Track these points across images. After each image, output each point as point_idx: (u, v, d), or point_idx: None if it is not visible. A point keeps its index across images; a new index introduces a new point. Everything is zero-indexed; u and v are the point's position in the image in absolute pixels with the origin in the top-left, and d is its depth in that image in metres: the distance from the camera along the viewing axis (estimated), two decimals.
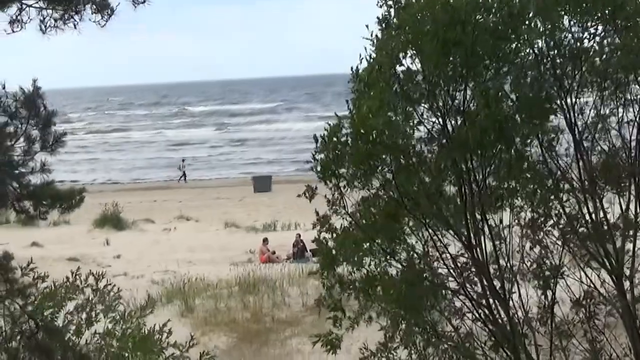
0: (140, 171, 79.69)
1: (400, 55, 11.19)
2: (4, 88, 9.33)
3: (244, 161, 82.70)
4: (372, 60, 11.30)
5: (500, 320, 11.62)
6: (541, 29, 11.05)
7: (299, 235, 33.22)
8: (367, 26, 11.30)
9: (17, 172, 9.25)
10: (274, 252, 32.71)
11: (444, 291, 11.75)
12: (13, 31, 9.21)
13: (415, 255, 11.66)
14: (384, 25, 11.47)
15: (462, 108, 11.20)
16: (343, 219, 11.65)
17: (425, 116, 11.39)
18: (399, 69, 11.29)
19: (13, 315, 9.71)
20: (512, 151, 11.35)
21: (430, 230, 11.56)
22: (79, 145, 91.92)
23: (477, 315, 11.75)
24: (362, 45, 11.29)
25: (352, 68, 11.31)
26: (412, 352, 11.91)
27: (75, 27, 9.24)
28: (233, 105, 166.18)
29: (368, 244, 11.39)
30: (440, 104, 11.28)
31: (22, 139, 9.24)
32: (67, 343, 10.36)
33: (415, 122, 11.32)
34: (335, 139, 11.17)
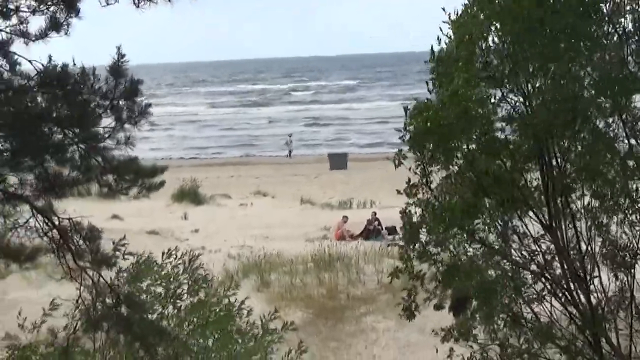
0: (217, 147, 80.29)
1: (483, 34, 11.07)
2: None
3: (321, 139, 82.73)
4: (451, 39, 11.18)
5: (580, 305, 11.47)
6: (628, 8, 10.84)
7: (375, 213, 33.16)
8: (443, 9, 11.18)
9: (102, 145, 9.31)
10: (349, 230, 32.69)
11: (523, 274, 11.62)
12: (108, 3, 9.27)
13: (495, 236, 11.55)
14: (464, 4, 11.32)
15: (543, 87, 11.04)
16: (426, 194, 11.57)
17: (507, 96, 11.26)
18: (480, 48, 11.17)
19: (96, 286, 9.85)
20: (592, 131, 11.15)
21: (510, 212, 11.44)
22: (158, 121, 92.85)
23: (557, 299, 11.62)
24: (437, 24, 11.19)
25: (431, 47, 11.21)
26: (491, 335, 11.82)
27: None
28: (311, 82, 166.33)
29: (448, 222, 11.30)
30: (523, 83, 11.14)
31: (108, 111, 9.27)
32: (147, 317, 10.48)
33: (496, 101, 11.21)
34: (424, 112, 11.10)
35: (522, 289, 11.55)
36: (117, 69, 9.14)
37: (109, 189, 9.96)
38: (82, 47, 9.80)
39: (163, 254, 13.11)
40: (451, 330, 12.14)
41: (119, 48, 9.24)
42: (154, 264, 12.86)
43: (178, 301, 12.82)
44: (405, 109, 11.21)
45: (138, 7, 9.18)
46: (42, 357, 11.97)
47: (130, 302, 9.96)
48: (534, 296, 11.65)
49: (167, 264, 13.15)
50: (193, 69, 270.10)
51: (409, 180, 11.61)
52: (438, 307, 11.89)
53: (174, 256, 13.31)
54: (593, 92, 11.05)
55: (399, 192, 11.71)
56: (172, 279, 12.89)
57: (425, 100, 11.15)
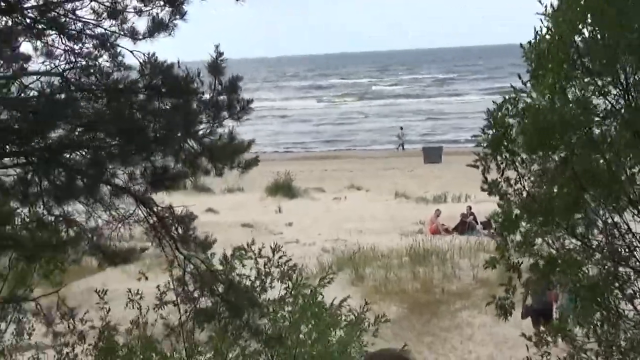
0: (311, 141, 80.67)
1: (579, 25, 10.88)
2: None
3: (414, 133, 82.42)
4: (549, 32, 11.01)
5: None
6: None
7: (470, 208, 32.93)
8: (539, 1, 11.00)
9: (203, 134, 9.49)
10: (443, 225, 32.55)
11: (626, 271, 11.41)
12: None
13: (595, 232, 11.36)
14: None
15: None
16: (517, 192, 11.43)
17: (606, 89, 11.06)
18: (578, 39, 10.98)
19: (200, 273, 10.05)
20: None
21: (611, 208, 11.24)
22: (256, 116, 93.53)
23: None
24: (530, 15, 11.03)
25: (522, 44, 11.05)
26: (590, 331, 11.63)
27: None
28: (405, 76, 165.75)
29: (548, 218, 11.14)
30: (622, 75, 10.92)
31: (208, 107, 9.43)
32: (256, 301, 10.67)
33: (595, 95, 11.02)
34: (506, 112, 10.97)
35: (624, 285, 11.34)
36: (216, 66, 9.30)
37: (205, 172, 10.13)
38: (175, 43, 9.95)
39: (249, 244, 13.21)
40: (546, 332, 11.97)
41: (217, 46, 9.42)
42: (245, 253, 12.95)
43: (269, 290, 12.92)
44: (489, 112, 11.08)
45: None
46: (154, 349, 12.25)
47: (237, 289, 10.14)
48: (637, 293, 11.44)
49: (256, 254, 13.23)
50: (286, 62, 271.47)
51: (486, 179, 11.46)
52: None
53: (264, 246, 13.39)
54: None
55: (483, 189, 11.57)
56: (263, 268, 12.98)
57: (515, 95, 11.00)
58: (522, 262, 11.51)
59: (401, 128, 71.78)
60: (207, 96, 9.41)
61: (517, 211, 11.24)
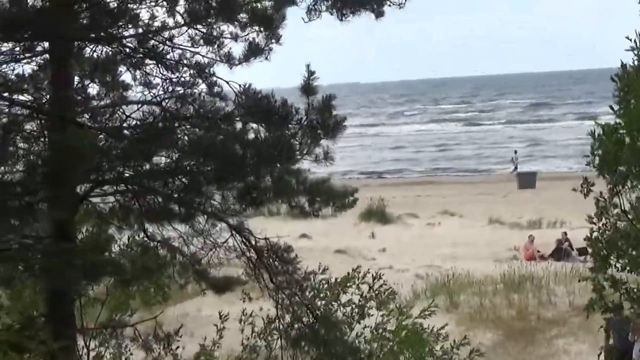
0: (403, 166, 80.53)
1: None
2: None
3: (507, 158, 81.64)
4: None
5: None
6: None
7: (565, 234, 32.45)
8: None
9: (296, 166, 9.59)
10: (538, 251, 32.14)
11: None
12: (310, 20, 9.54)
13: None
14: None
15: None
16: (618, 217, 11.31)
17: None
18: None
19: (293, 305, 10.12)
20: None
21: None
22: (345, 140, 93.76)
23: None
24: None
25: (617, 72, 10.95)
26: None
27: (374, 11, 9.42)
28: (498, 100, 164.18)
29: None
30: None
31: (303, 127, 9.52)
32: (344, 336, 10.68)
33: None
34: (613, 135, 10.86)
35: None
36: (307, 87, 9.38)
37: (301, 211, 10.22)
38: (270, 68, 10.11)
39: (349, 272, 13.26)
40: None
41: (308, 66, 9.52)
42: (345, 284, 13.03)
43: (366, 318, 12.94)
44: (593, 132, 10.99)
45: (341, 20, 9.40)
46: None
47: (327, 322, 10.17)
48: None
49: (353, 283, 13.27)
50: (378, 88, 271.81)
51: (597, 201, 11.35)
52: None
53: (360, 274, 13.42)
54: None
55: (590, 219, 11.47)
56: (360, 297, 13.02)
57: (615, 122, 10.91)
58: (621, 304, 11.40)
59: (515, 152, 70.74)
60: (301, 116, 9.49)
61: (606, 247, 11.15)
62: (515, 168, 66.82)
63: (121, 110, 10.24)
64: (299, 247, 16.67)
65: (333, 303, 12.37)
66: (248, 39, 9.72)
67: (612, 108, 11.03)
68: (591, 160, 11.05)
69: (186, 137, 9.45)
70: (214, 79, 9.99)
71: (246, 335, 12.98)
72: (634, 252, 10.97)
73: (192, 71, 10.07)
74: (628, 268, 11.16)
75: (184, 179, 9.40)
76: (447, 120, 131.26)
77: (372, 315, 12.94)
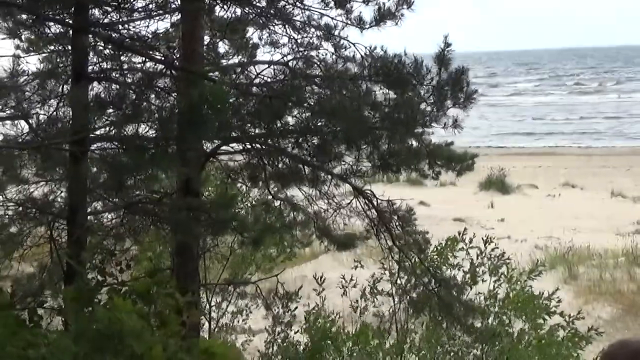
0: (526, 136, 79.42)
1: None
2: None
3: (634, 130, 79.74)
4: None
5: None
6: None
7: None
8: None
9: (421, 130, 9.62)
10: None
11: None
12: None
13: None
14: None
15: None
16: None
17: None
18: None
19: (413, 267, 10.19)
20: None
21: None
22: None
23: None
24: None
25: None
26: None
27: None
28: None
29: None
30: None
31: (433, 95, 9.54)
32: (466, 301, 10.71)
33: None
34: None
35: None
36: (442, 57, 9.40)
37: (421, 174, 10.26)
38: (399, 35, 10.12)
39: (461, 233, 13.20)
40: None
41: (445, 37, 9.52)
42: (457, 243, 12.98)
43: (480, 283, 12.88)
44: None
45: None
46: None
47: (448, 284, 10.22)
48: None
49: (468, 245, 13.21)
50: (490, 57, 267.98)
51: None
52: None
53: (475, 236, 13.34)
54: None
55: None
56: (475, 259, 12.97)
57: None
58: None
59: None
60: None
61: None
62: None
63: (249, 69, 10.40)
64: (418, 215, 16.67)
65: (445, 265, 12.32)
66: (379, 3, 9.74)
67: None
68: None
69: (315, 97, 9.56)
70: (342, 41, 10.05)
71: (366, 298, 13.09)
72: None
73: (319, 33, 10.15)
74: None
75: (313, 139, 9.52)
76: (574, 90, 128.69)
77: (485, 281, 12.86)
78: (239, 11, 10.36)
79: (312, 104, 9.41)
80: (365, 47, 9.67)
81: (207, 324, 13.27)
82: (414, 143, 9.90)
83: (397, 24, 9.56)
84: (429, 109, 9.45)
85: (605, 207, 36.76)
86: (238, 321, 14.00)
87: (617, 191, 40.04)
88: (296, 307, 13.37)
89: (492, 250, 13.15)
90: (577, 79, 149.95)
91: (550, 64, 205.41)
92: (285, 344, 12.85)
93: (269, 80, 9.82)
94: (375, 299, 13.04)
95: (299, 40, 10.25)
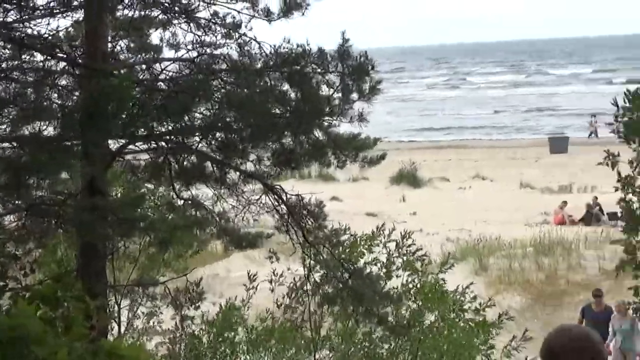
0: (435, 130, 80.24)
1: None
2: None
3: (542, 123, 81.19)
4: None
5: None
6: None
7: (596, 198, 32.36)
8: None
9: (329, 123, 9.58)
10: (570, 215, 32.05)
11: None
12: None
13: None
14: None
15: None
16: None
17: None
18: None
19: (326, 261, 10.17)
20: None
21: None
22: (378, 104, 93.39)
23: None
24: None
25: None
26: None
27: None
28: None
29: None
30: None
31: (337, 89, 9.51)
32: (379, 290, 10.73)
33: None
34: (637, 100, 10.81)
35: None
36: (343, 51, 9.38)
37: (328, 165, 10.23)
38: (311, 30, 10.10)
39: (373, 230, 13.24)
40: None
41: (343, 33, 9.52)
42: (374, 239, 13.02)
43: (395, 278, 12.93)
44: (615, 102, 10.96)
45: None
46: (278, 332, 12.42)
47: (361, 276, 10.23)
48: None
49: (380, 241, 13.26)
50: (405, 52, 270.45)
51: (619, 173, 11.35)
52: None
53: (393, 229, 13.40)
54: None
55: (617, 188, 11.49)
56: (390, 255, 13.02)
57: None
58: None
59: (593, 116, 69.12)
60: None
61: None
62: (593, 133, 65.25)
63: (155, 66, 10.25)
64: (330, 210, 16.67)
65: (360, 259, 12.35)
66: None
67: None
68: (616, 128, 11.04)
69: (222, 91, 9.45)
70: (247, 38, 9.97)
71: (280, 294, 13.03)
72: None
73: (224, 30, 10.06)
74: None
75: (219, 136, 9.43)
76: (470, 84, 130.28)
77: (400, 276, 12.93)
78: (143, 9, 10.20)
79: (220, 97, 9.31)
80: (271, 46, 9.62)
81: (116, 326, 13.06)
82: (321, 136, 9.86)
83: (303, 14, 9.52)
84: (335, 102, 9.43)
85: (515, 199, 37.38)
86: (151, 323, 13.80)
87: (526, 182, 40.76)
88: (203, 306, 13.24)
89: (409, 246, 13.22)
90: (486, 73, 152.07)
91: (460, 58, 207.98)
92: (188, 339, 12.70)
93: (174, 75, 9.70)
94: (291, 295, 13.00)
95: (204, 38, 10.15)
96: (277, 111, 9.35)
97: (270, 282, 13.07)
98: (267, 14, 9.65)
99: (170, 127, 9.53)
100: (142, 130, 9.29)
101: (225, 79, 9.63)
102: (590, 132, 65.51)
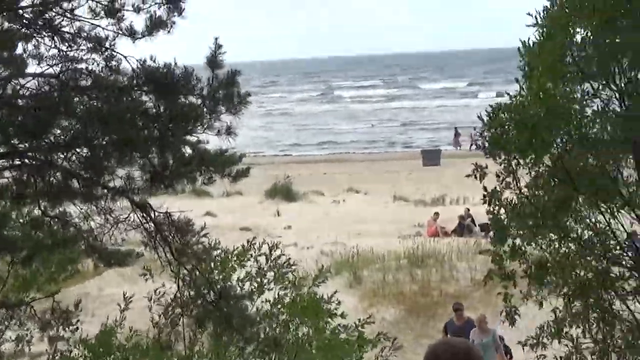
0: (309, 145, 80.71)
1: (572, 26, 10.93)
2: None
3: (415, 137, 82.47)
4: (542, 33, 11.06)
5: None
6: None
7: (468, 210, 32.99)
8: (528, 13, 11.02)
9: (197, 138, 9.49)
10: (442, 227, 32.59)
11: (619, 271, 11.45)
12: None
13: (589, 234, 11.41)
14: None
15: (635, 78, 10.84)
16: (514, 194, 11.53)
17: (599, 91, 11.08)
18: (570, 40, 11.02)
19: (195, 281, 10.04)
20: None
21: (602, 208, 11.28)
22: (251, 119, 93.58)
23: None
24: (528, 17, 11.08)
25: (520, 46, 11.10)
26: (586, 331, 11.67)
27: None
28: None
29: (539, 221, 11.21)
30: (617, 77, 10.94)
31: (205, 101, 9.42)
32: (246, 310, 10.65)
33: (589, 97, 11.06)
34: (501, 115, 11.06)
35: (617, 284, 11.39)
36: (214, 60, 9.31)
37: (193, 181, 10.13)
38: (181, 46, 10.01)
39: (244, 244, 13.19)
40: (542, 330, 12.03)
41: (216, 39, 9.44)
42: (243, 257, 12.96)
43: (265, 292, 12.89)
44: (480, 117, 11.20)
45: None
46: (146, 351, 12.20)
47: (229, 297, 10.13)
48: (629, 292, 11.48)
49: (257, 258, 13.21)
50: (281, 66, 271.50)
51: (485, 188, 11.62)
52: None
53: (258, 246, 13.35)
54: None
55: (484, 201, 11.73)
56: (261, 268, 12.97)
57: (506, 100, 11.13)
58: (515, 271, 11.66)
59: (456, 128, 70.44)
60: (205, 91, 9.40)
61: (506, 219, 11.36)
62: (457, 144, 66.33)
63: (16, 81, 9.96)
64: (204, 226, 16.52)
65: (231, 274, 12.28)
66: (150, 11, 9.55)
67: (517, 80, 11.21)
68: (480, 143, 11.29)
69: (85, 107, 9.25)
70: (113, 53, 9.79)
71: (152, 312, 12.81)
72: (530, 223, 11.21)
73: (90, 44, 9.85)
74: (525, 241, 11.40)
75: (83, 153, 9.21)
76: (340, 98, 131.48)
77: (272, 289, 12.90)
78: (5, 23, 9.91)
79: (83, 114, 9.10)
80: (137, 61, 9.47)
81: None
82: (189, 151, 9.75)
83: (169, 32, 9.41)
84: (202, 117, 9.34)
85: (389, 211, 37.81)
86: (23, 346, 13.39)
87: (400, 195, 41.27)
88: (77, 327, 12.93)
89: (279, 257, 13.20)
90: (359, 86, 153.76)
91: (333, 72, 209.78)
92: None
93: (35, 92, 9.43)
94: (165, 314, 12.81)
95: (69, 53, 9.92)
96: (144, 127, 9.20)
97: (150, 299, 12.88)
98: (131, 32, 9.50)
99: (32, 144, 9.28)
100: (4, 147, 9.03)
101: (89, 94, 9.43)
102: (456, 142, 67.08)
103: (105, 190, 9.82)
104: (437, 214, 33.39)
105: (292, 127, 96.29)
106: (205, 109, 9.32)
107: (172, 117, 9.03)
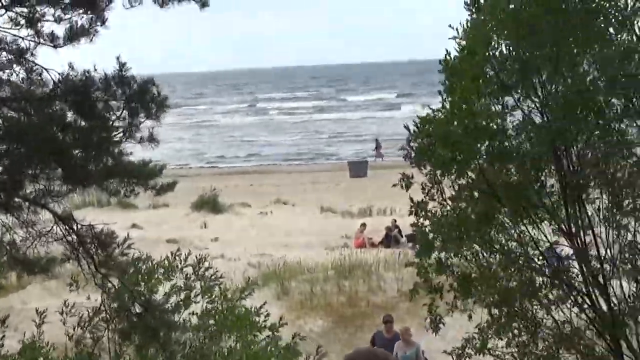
0: (235, 156, 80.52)
1: (493, 39, 11.04)
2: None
3: (340, 148, 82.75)
4: (462, 47, 11.16)
5: (600, 309, 11.42)
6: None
7: (395, 221, 33.16)
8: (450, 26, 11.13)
9: (119, 149, 9.42)
10: (369, 238, 32.70)
11: (542, 280, 11.58)
12: (132, 5, 9.40)
13: (512, 244, 11.53)
14: (473, 8, 11.27)
15: (555, 90, 10.98)
16: (440, 204, 11.61)
17: (520, 101, 11.20)
18: (491, 53, 11.13)
19: (119, 294, 9.94)
20: (605, 130, 10.99)
21: (526, 220, 11.41)
22: (176, 130, 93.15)
23: (576, 304, 11.58)
24: (449, 31, 11.16)
25: (442, 60, 11.19)
26: (510, 341, 11.78)
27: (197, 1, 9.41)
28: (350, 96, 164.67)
29: (463, 233, 11.31)
30: (537, 88, 11.08)
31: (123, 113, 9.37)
32: (172, 322, 10.56)
33: (509, 108, 11.17)
34: (428, 126, 11.13)
35: (540, 294, 11.52)
36: (121, 77, 9.27)
37: (115, 194, 10.04)
38: (107, 55, 9.92)
39: (168, 256, 13.09)
40: (468, 342, 12.12)
41: (118, 58, 9.44)
42: (169, 270, 12.86)
43: (192, 304, 12.81)
44: (407, 127, 11.27)
45: (162, 6, 9.31)
46: None
47: (155, 310, 10.05)
48: (552, 301, 11.62)
49: (182, 269, 13.12)
50: (210, 77, 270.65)
51: (412, 199, 11.70)
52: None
53: (184, 258, 13.25)
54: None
55: (410, 212, 11.81)
56: (184, 282, 12.89)
57: (431, 113, 11.20)
58: (442, 285, 11.75)
59: (377, 139, 70.85)
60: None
61: (431, 233, 11.44)
62: (377, 154, 66.71)
63: None
64: (130, 238, 16.36)
65: (158, 287, 12.17)
66: (72, 22, 9.47)
67: (440, 93, 11.28)
68: (406, 154, 11.36)
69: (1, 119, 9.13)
70: (33, 65, 9.67)
71: (72, 326, 12.61)
72: (454, 234, 11.29)
73: (10, 56, 9.71)
74: (451, 253, 11.48)
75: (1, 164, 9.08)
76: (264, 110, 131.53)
77: (199, 302, 12.82)
78: None
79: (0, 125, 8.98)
80: (59, 73, 9.39)
81: None
82: (110, 162, 9.66)
83: (91, 40, 9.34)
84: (122, 127, 9.29)
85: (316, 223, 37.83)
86: None
87: (327, 207, 41.34)
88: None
89: (206, 270, 13.12)
90: (285, 98, 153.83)
91: (259, 84, 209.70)
92: None
93: None
94: (83, 326, 12.62)
95: None
96: (65, 139, 9.10)
97: (61, 313, 12.67)
98: (53, 39, 9.40)
99: None
100: None
101: (9, 105, 9.30)
102: (377, 152, 67.60)
103: (26, 202, 9.68)
104: (364, 225, 33.51)
105: (219, 139, 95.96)
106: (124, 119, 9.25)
107: (92, 128, 8.94)
